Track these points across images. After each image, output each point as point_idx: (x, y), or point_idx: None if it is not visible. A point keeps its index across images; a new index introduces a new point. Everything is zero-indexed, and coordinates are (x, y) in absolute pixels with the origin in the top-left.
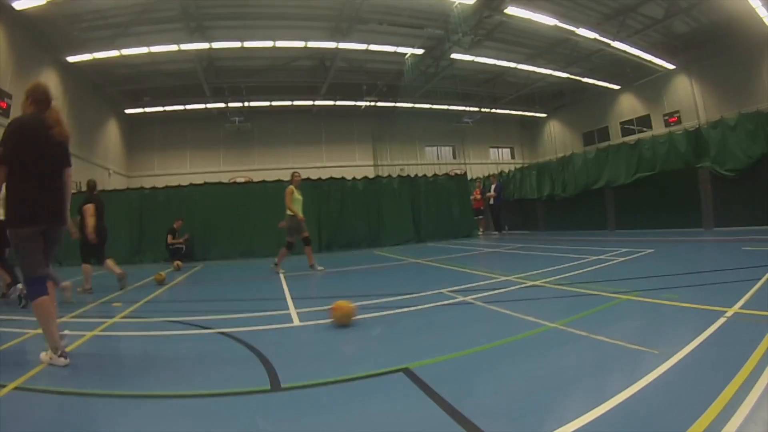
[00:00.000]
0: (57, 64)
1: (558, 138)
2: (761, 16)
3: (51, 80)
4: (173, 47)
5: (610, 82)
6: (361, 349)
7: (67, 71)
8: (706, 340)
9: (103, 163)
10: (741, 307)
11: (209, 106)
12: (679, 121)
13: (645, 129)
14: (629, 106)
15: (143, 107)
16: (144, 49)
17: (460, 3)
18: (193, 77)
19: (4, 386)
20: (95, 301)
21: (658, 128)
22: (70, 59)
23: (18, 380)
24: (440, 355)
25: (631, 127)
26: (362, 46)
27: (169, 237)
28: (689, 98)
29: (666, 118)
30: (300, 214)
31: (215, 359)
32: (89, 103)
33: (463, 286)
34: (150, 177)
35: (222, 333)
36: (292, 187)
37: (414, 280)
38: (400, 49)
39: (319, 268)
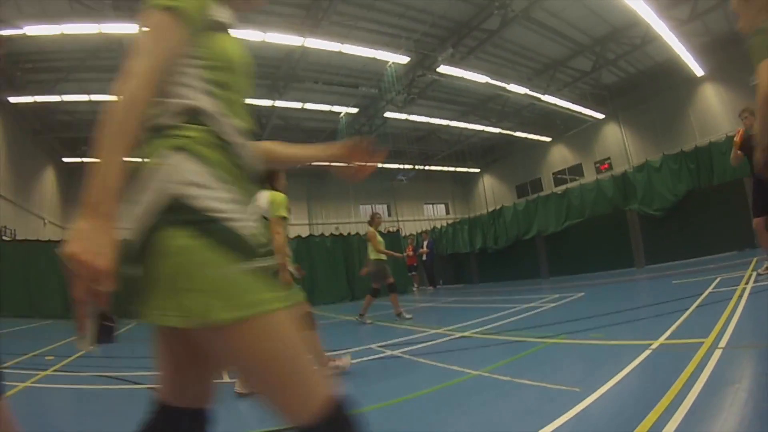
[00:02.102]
0: None
1: (491, 192)
2: (686, 61)
3: None
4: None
5: (541, 135)
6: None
7: (8, 112)
8: (629, 373)
9: (38, 211)
10: (667, 338)
11: None
12: (610, 167)
13: (577, 177)
14: (561, 156)
15: (81, 157)
16: (85, 97)
17: (393, 63)
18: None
19: None
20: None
21: (590, 176)
22: (12, 100)
23: None
24: (364, 407)
25: (564, 176)
26: (298, 105)
27: None
28: (619, 144)
29: (597, 165)
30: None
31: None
32: (28, 148)
33: (392, 341)
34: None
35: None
36: (373, 229)
37: (345, 336)
38: (335, 108)
39: (408, 317)
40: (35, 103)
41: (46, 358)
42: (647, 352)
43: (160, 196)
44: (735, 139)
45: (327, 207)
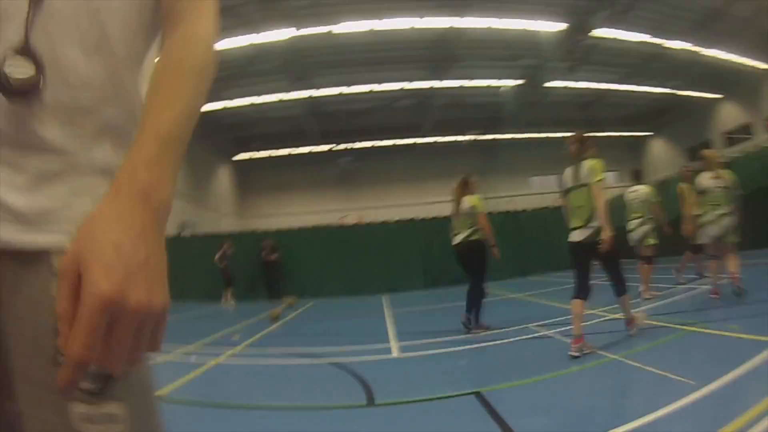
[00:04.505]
0: None
1: (662, 157)
2: None
3: None
4: (277, 97)
5: (709, 92)
6: (446, 376)
7: None
8: (744, 372)
9: (215, 206)
10: None
11: (316, 148)
12: None
13: (748, 136)
14: (730, 115)
15: (251, 153)
16: (248, 100)
17: (550, 31)
18: (297, 123)
19: None
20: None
21: (760, 135)
22: None
23: None
24: (508, 382)
25: (733, 136)
26: (460, 83)
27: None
28: None
29: (766, 123)
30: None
31: (323, 382)
32: (198, 152)
33: (549, 321)
34: (262, 219)
35: (331, 363)
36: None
37: (506, 314)
38: (498, 82)
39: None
40: (203, 110)
41: (232, 338)
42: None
43: None
44: None
45: (498, 180)
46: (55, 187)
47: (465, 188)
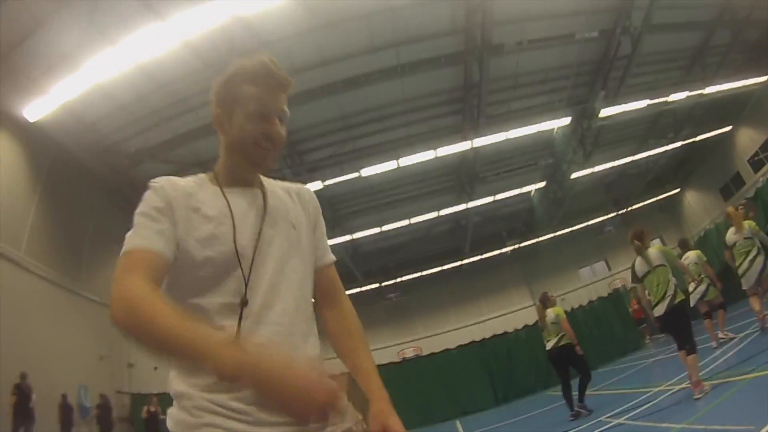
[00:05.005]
0: None
1: (699, 205)
2: None
3: None
4: None
5: (721, 128)
6: None
7: None
8: None
9: None
10: None
11: (363, 288)
12: None
13: None
14: (748, 139)
15: None
16: None
17: (557, 128)
18: (339, 266)
19: None
20: None
21: None
22: None
23: None
24: None
25: (759, 158)
26: (489, 199)
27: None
28: None
29: None
30: None
31: None
32: None
33: (618, 409)
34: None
35: None
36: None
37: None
38: (524, 189)
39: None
40: None
41: None
42: None
43: None
44: None
45: (547, 282)
46: None
47: (546, 303)
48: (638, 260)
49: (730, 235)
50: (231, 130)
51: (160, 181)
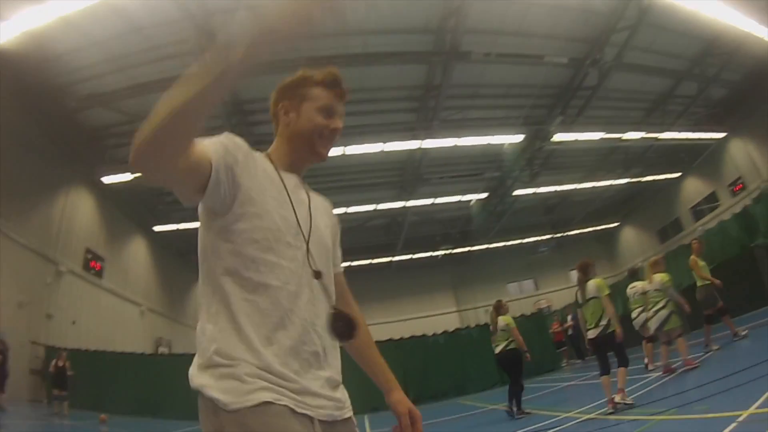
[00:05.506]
0: (144, 233)
1: (635, 243)
2: None
3: (139, 248)
4: None
5: (670, 173)
6: None
7: (154, 239)
8: None
9: (191, 323)
10: (759, 405)
11: None
12: (744, 187)
13: (715, 204)
14: (694, 189)
15: None
16: None
17: (510, 143)
18: None
19: None
20: None
21: (726, 201)
22: (156, 229)
23: None
24: None
25: (701, 208)
26: (429, 201)
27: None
28: (747, 159)
29: (731, 188)
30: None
31: None
32: (176, 268)
33: (524, 429)
34: None
35: None
36: (694, 256)
37: (483, 428)
38: (465, 197)
39: (715, 347)
40: (178, 230)
41: None
42: (733, 426)
43: None
44: None
45: (474, 291)
46: (341, 389)
47: (499, 311)
48: (578, 290)
49: (643, 285)
50: (299, 120)
51: (239, 138)
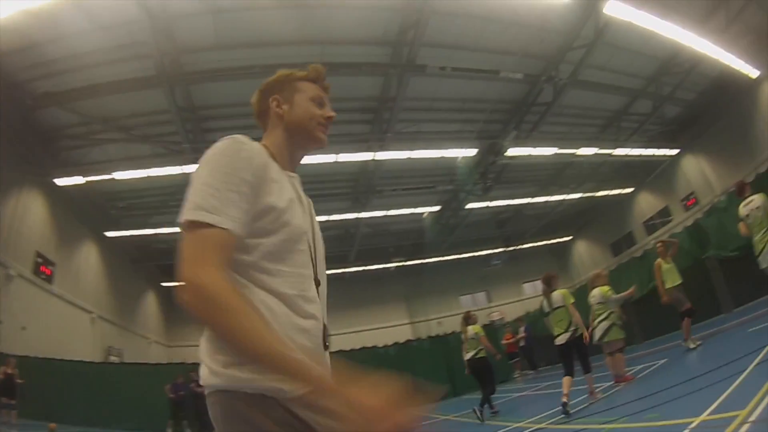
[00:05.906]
0: (96, 238)
1: (588, 257)
2: (738, 67)
3: (91, 253)
4: None
5: (623, 188)
6: None
7: (106, 245)
8: None
9: (143, 332)
10: (710, 413)
11: None
12: (696, 202)
13: (668, 219)
14: (647, 203)
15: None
16: (177, 229)
17: (463, 157)
18: None
19: None
20: None
21: (678, 215)
22: (108, 234)
23: None
24: None
25: (653, 222)
26: (382, 213)
27: None
28: (700, 175)
29: (683, 203)
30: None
31: None
32: (128, 275)
33: None
34: (191, 347)
35: None
36: (660, 260)
37: None
38: (418, 210)
39: (692, 345)
40: (131, 236)
41: None
42: None
43: None
44: None
45: (426, 303)
46: None
47: (468, 321)
48: (544, 300)
49: (591, 296)
50: (294, 111)
51: (245, 143)
